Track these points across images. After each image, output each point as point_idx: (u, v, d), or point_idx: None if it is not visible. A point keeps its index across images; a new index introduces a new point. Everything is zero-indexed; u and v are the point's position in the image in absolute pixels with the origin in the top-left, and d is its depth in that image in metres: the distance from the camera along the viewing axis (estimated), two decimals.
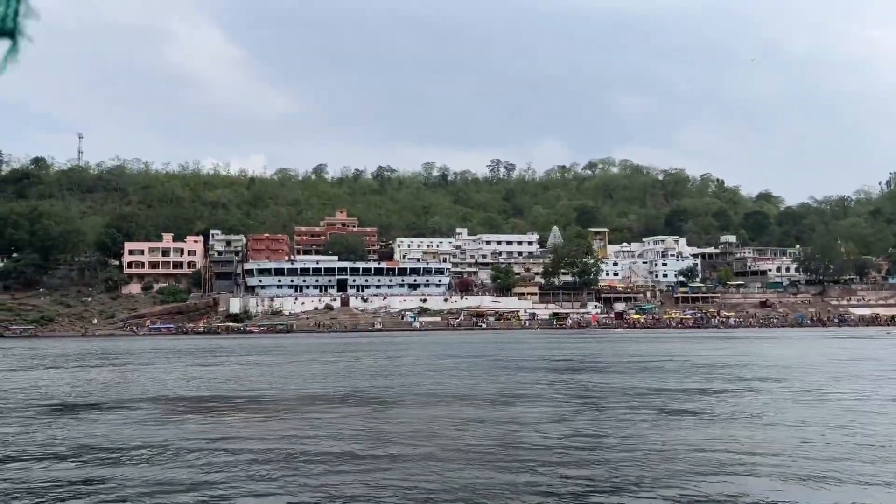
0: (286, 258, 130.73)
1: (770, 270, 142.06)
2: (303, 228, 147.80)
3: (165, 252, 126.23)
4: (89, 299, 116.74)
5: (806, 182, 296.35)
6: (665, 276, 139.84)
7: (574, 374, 28.94)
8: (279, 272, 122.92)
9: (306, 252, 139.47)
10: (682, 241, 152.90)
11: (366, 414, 17.99)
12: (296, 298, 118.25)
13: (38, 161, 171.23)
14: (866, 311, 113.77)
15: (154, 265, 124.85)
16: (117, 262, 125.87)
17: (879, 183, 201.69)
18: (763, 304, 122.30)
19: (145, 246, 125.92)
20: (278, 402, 21.26)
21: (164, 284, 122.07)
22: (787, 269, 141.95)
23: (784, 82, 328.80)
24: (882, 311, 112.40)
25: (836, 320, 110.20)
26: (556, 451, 12.71)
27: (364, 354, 45.45)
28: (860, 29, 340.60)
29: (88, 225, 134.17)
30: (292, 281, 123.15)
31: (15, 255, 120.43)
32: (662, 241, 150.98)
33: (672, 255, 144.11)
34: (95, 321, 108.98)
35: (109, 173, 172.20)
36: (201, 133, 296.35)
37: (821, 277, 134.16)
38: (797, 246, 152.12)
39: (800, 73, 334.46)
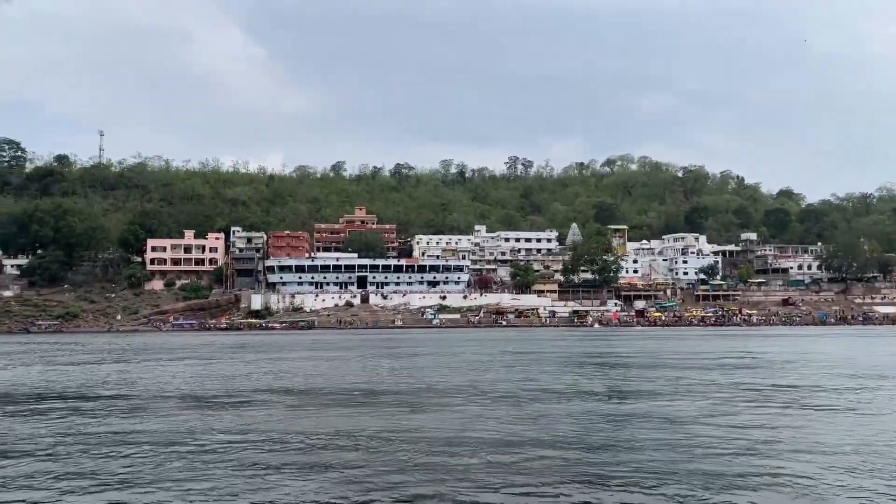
0: (306, 255, 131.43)
1: (792, 268, 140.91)
2: (322, 226, 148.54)
3: (187, 249, 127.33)
4: (113, 295, 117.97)
5: (827, 179, 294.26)
6: (685, 273, 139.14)
7: (672, 370, 28.74)
8: (300, 269, 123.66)
9: (326, 249, 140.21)
10: (703, 238, 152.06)
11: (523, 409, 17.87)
12: (316, 295, 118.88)
13: (61, 159, 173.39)
14: (891, 310, 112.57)
15: (176, 262, 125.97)
16: (140, 259, 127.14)
17: None
18: (785, 303, 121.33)
19: (167, 243, 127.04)
20: (416, 393, 21.31)
21: (186, 281, 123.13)
22: (809, 267, 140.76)
23: (804, 80, 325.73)
24: None
25: (860, 318, 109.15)
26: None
27: (422, 350, 44.88)
28: (881, 27, 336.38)
29: (111, 222, 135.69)
30: (313, 278, 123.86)
31: (40, 251, 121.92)
32: (682, 238, 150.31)
33: (692, 253, 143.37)
34: (119, 317, 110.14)
35: (131, 171, 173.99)
36: (221, 132, 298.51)
37: (844, 275, 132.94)
38: (819, 243, 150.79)
39: (819, 70, 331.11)
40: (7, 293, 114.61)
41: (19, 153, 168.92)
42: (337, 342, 60.63)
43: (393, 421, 15.94)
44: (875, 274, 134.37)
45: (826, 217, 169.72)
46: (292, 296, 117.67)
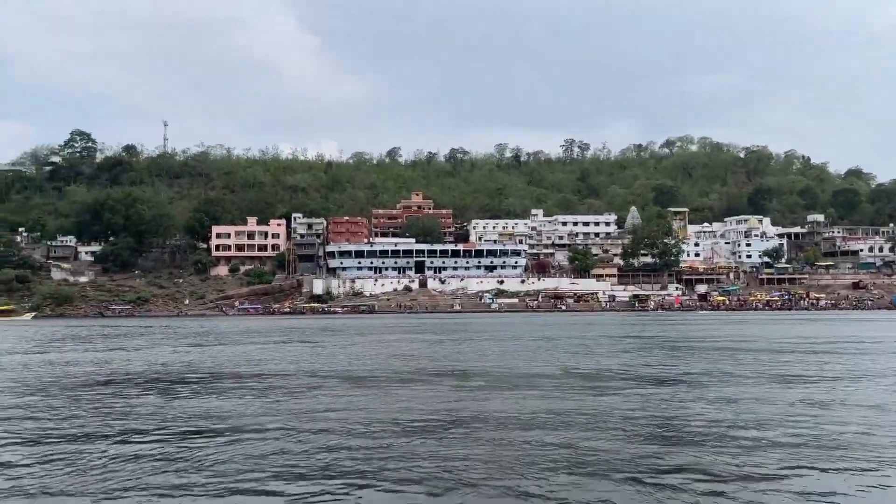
0: (365, 240, 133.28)
1: (862, 250, 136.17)
2: (380, 211, 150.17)
3: (250, 235, 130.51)
4: (180, 280, 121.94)
5: None
6: (749, 256, 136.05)
7: (816, 355, 28.15)
8: (359, 254, 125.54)
9: (384, 234, 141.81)
10: (766, 220, 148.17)
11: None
12: (375, 280, 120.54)
13: (128, 149, 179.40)
14: None
15: (240, 248, 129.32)
16: (205, 245, 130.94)
17: None
18: (856, 286, 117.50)
19: (231, 229, 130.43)
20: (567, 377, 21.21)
21: (250, 266, 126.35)
22: (881, 249, 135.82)
23: (870, 55, 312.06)
24: None
25: None
26: None
27: (512, 334, 44.15)
28: None
29: (177, 209, 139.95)
30: (372, 263, 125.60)
31: (112, 238, 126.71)
32: (745, 220, 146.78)
33: (756, 235, 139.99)
34: (187, 302, 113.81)
35: (194, 159, 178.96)
36: (277, 120, 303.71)
37: None
38: (891, 224, 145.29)
39: (886, 46, 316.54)
40: (83, 279, 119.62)
41: (90, 144, 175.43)
42: (415, 325, 61.23)
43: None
44: None
45: None
46: (352, 280, 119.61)
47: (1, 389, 19.65)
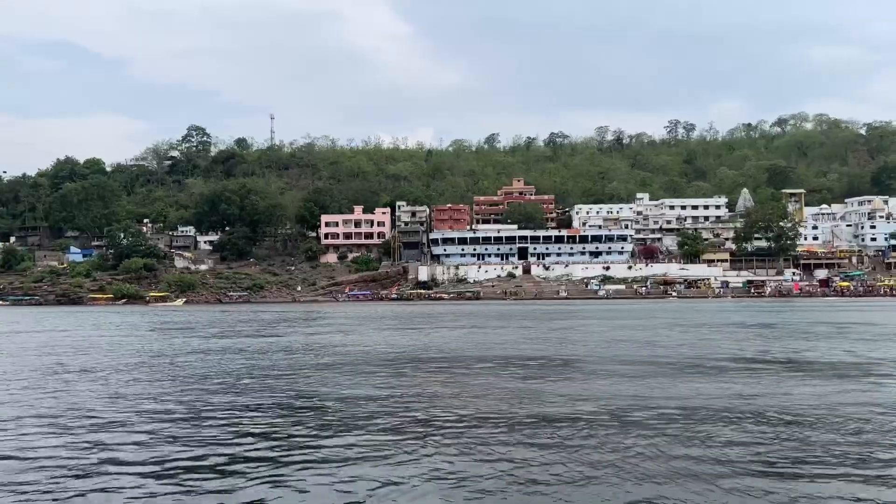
0: (467, 227, 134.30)
1: None
2: (481, 198, 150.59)
3: (357, 223, 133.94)
4: (292, 268, 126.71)
5: None
6: (873, 239, 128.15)
7: None
8: (462, 241, 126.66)
9: (485, 221, 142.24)
10: (893, 200, 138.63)
11: None
12: (479, 267, 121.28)
13: (240, 142, 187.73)
14: None
15: (347, 236, 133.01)
16: (314, 234, 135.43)
17: None
18: None
19: (339, 218, 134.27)
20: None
21: (357, 254, 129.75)
22: None
23: None
24: None
25: None
26: None
27: (650, 322, 43.32)
28: None
29: (287, 200, 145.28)
30: (474, 249, 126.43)
31: (227, 228, 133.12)
32: (869, 201, 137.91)
33: (881, 217, 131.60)
34: (299, 288, 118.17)
35: (301, 151, 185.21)
36: (376, 109, 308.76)
37: None
38: None
39: None
40: (203, 267, 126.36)
41: (205, 138, 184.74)
42: (530, 312, 61.40)
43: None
44: None
45: None
46: (456, 267, 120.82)
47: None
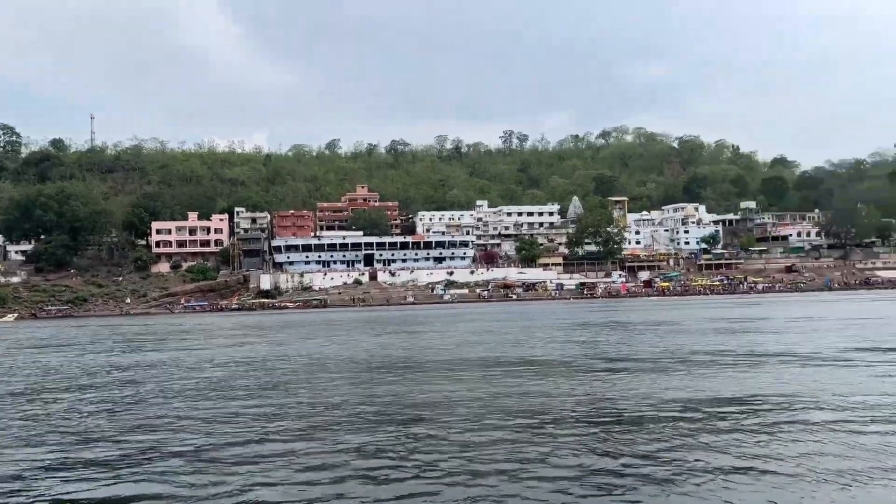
0: (312, 234, 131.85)
1: (791, 235, 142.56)
2: (325, 204, 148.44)
3: (192, 231, 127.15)
4: (120, 279, 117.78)
5: (820, 146, 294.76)
6: (687, 243, 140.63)
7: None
8: (306, 248, 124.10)
9: (329, 227, 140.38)
10: (702, 208, 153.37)
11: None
12: (325, 274, 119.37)
13: (56, 143, 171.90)
14: (892, 274, 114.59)
15: (181, 244, 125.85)
16: (144, 242, 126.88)
17: (895, 145, 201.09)
18: (789, 269, 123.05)
19: (172, 225, 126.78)
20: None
21: (193, 263, 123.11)
22: (808, 234, 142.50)
23: (793, 47, 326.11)
24: None
25: (863, 283, 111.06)
26: None
27: (499, 325, 43.71)
28: None
29: (113, 205, 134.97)
30: (319, 256, 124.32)
31: (44, 237, 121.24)
32: (682, 208, 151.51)
33: (693, 223, 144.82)
34: (128, 300, 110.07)
35: (127, 153, 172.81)
36: (208, 111, 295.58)
37: (843, 241, 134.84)
38: (816, 210, 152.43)
39: (808, 37, 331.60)
40: (14, 279, 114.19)
41: (14, 138, 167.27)
42: (392, 318, 61.00)
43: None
44: (874, 239, 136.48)
45: (822, 184, 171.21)
46: (301, 275, 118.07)
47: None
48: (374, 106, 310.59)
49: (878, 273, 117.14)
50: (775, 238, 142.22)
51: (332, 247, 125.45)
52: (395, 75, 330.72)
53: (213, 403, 15.94)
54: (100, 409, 15.86)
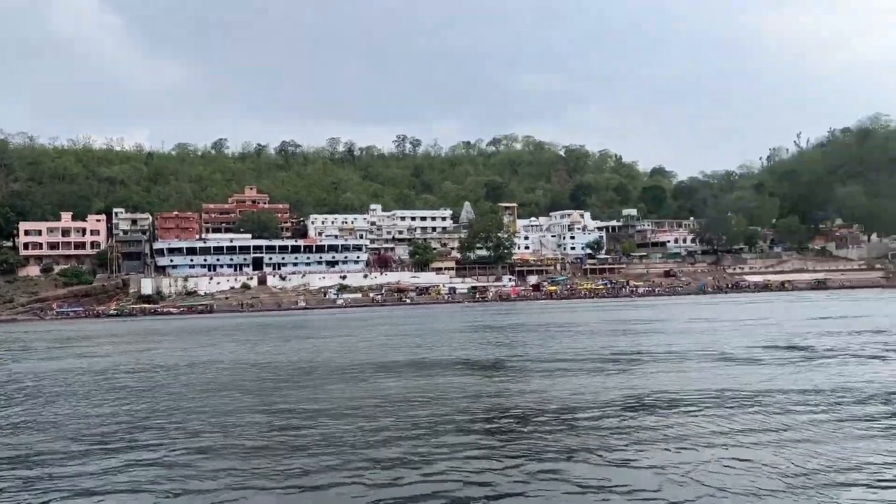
0: (197, 237, 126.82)
1: (669, 242, 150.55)
2: (211, 206, 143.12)
3: (65, 232, 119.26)
4: None
5: (695, 158, 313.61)
6: (573, 248, 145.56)
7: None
8: (191, 251, 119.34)
9: (216, 230, 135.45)
10: (587, 214, 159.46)
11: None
12: (210, 278, 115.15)
13: None
14: (758, 278, 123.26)
15: (53, 246, 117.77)
16: (11, 244, 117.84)
17: (760, 158, 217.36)
18: (667, 274, 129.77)
19: (43, 226, 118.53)
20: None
21: (66, 266, 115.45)
22: (685, 241, 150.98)
23: (672, 63, 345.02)
24: (772, 278, 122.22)
25: (733, 287, 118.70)
26: None
27: (407, 329, 44.05)
28: (739, 13, 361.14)
29: None
30: (205, 260, 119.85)
31: None
32: (569, 215, 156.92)
33: (578, 229, 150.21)
34: None
35: None
36: (83, 107, 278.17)
37: (715, 247, 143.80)
38: (691, 218, 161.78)
39: (685, 54, 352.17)
40: None
41: None
42: (285, 323, 59.46)
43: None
44: (742, 246, 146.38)
45: (696, 193, 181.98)
46: (185, 279, 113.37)
47: None
48: (263, 105, 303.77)
49: (746, 277, 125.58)
50: (654, 244, 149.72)
51: (218, 250, 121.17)
52: (286, 75, 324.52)
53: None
54: None
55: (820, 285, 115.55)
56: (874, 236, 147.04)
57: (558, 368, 20.41)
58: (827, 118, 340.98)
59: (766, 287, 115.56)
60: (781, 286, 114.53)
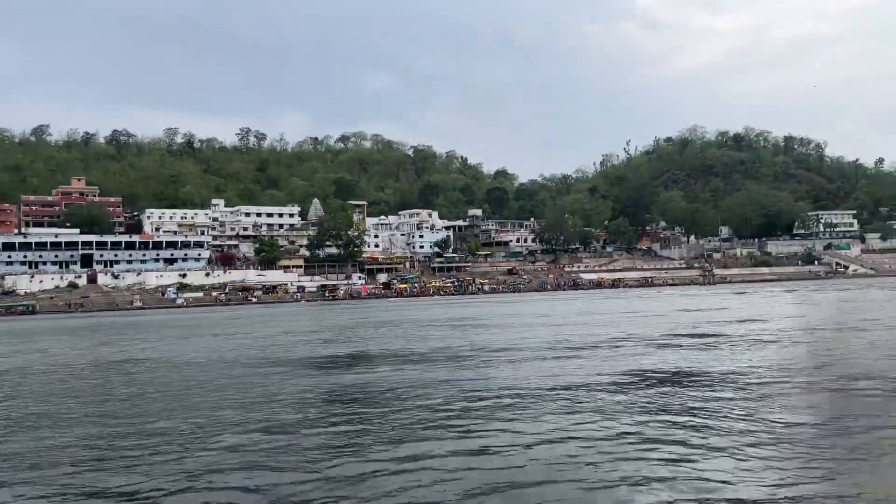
0: (15, 231, 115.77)
1: (511, 241, 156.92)
2: (31, 198, 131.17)
3: None
4: None
5: (534, 161, 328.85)
6: (421, 247, 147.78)
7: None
8: (8, 247, 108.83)
9: (38, 224, 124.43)
10: (435, 214, 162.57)
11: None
12: (32, 276, 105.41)
13: None
14: (593, 276, 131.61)
15: None
16: None
17: (594, 163, 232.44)
18: (510, 272, 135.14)
19: None
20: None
21: None
22: (526, 240, 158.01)
23: (513, 68, 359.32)
24: (605, 276, 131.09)
25: (571, 284, 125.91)
26: None
27: (293, 327, 42.74)
28: (578, 22, 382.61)
29: None
30: (25, 257, 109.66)
31: None
32: (417, 214, 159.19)
33: (427, 228, 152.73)
34: None
35: None
36: None
37: (553, 247, 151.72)
38: (532, 219, 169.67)
39: (525, 60, 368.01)
40: None
41: None
42: (120, 324, 55.46)
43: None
44: (578, 245, 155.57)
45: (536, 195, 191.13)
46: (2, 277, 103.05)
47: None
48: (89, 92, 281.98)
49: (582, 275, 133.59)
50: (498, 243, 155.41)
51: (41, 246, 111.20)
52: (115, 58, 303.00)
53: None
54: None
55: (647, 283, 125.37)
56: (692, 238, 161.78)
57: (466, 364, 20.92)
58: (651, 128, 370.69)
59: (599, 284, 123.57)
60: (613, 284, 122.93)
